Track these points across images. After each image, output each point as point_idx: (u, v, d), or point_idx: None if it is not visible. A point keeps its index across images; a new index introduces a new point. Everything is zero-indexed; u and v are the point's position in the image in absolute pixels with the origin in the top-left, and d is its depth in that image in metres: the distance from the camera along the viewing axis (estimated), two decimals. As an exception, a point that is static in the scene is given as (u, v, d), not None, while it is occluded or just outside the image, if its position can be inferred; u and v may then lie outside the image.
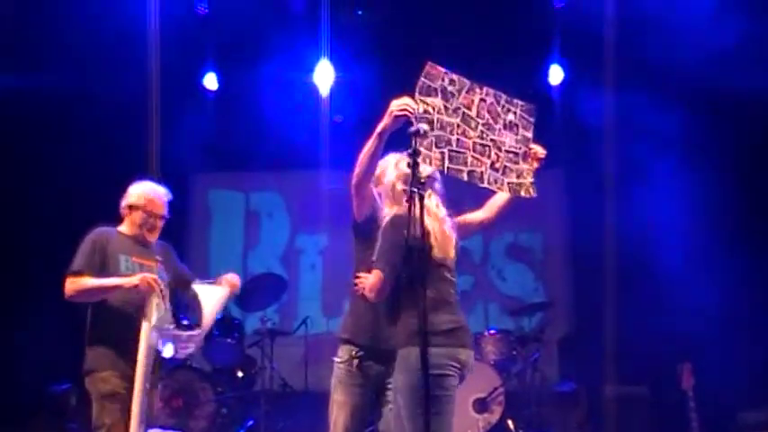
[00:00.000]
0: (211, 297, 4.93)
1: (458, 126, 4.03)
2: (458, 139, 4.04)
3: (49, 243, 7.99)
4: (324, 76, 8.69)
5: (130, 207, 4.81)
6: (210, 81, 8.98)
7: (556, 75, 8.75)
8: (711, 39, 6.95)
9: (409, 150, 3.66)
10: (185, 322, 6.75)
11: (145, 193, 4.84)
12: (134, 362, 4.46)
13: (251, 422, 7.34)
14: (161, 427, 5.59)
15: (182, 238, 7.47)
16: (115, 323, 4.55)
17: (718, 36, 6.96)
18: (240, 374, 7.74)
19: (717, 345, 6.80)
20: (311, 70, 8.64)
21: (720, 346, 6.83)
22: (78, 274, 4.54)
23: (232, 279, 4.96)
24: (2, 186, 8.07)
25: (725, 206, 7.63)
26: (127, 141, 8.15)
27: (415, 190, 3.59)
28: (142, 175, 5.11)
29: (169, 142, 8.06)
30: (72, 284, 4.52)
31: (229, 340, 7.64)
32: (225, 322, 7.69)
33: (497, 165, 4.18)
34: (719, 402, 6.50)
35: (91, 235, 4.73)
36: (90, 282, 4.53)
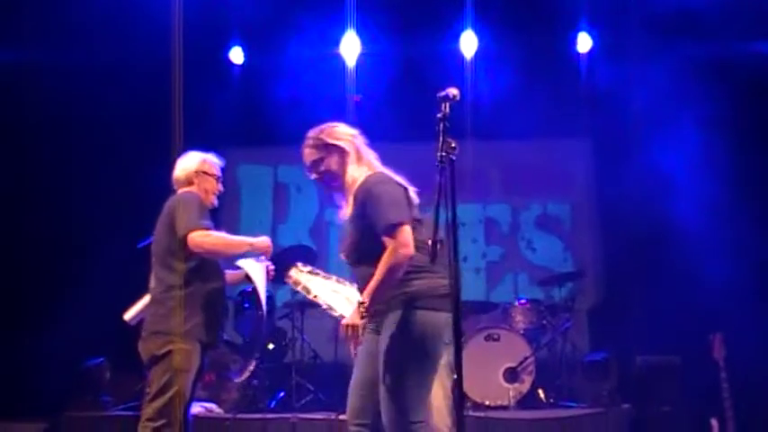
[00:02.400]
0: (261, 276, 4.90)
1: None
2: None
3: (81, 218, 8.10)
4: (350, 48, 8.67)
5: (197, 173, 4.83)
6: (236, 55, 8.98)
7: (584, 43, 8.67)
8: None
9: (439, 115, 3.65)
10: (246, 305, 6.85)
11: (204, 158, 4.88)
12: (216, 337, 4.58)
13: (282, 394, 7.39)
14: (197, 399, 5.68)
15: (211, 213, 7.52)
16: (212, 294, 4.62)
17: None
18: (271, 347, 7.78)
19: (749, 315, 6.75)
20: (337, 43, 8.62)
21: (752, 316, 6.79)
22: (205, 228, 4.55)
23: (264, 242, 4.90)
24: (37, 159, 8.13)
25: (758, 175, 7.57)
26: (152, 117, 8.19)
27: (445, 154, 3.58)
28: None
29: (195, 118, 8.08)
30: (206, 237, 4.52)
31: (260, 312, 7.65)
32: (254, 294, 7.71)
33: None
34: (751, 373, 6.47)
35: (188, 196, 4.73)
36: (226, 237, 4.61)
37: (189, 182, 4.82)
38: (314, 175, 4.14)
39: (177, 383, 4.46)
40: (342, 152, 4.06)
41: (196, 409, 5.89)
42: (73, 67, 7.96)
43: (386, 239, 3.76)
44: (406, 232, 3.77)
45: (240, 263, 4.88)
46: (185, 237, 4.52)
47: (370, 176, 3.97)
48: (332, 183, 4.10)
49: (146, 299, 4.84)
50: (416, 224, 3.90)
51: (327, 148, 4.10)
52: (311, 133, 4.19)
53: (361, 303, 3.75)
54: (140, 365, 4.73)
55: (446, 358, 4.70)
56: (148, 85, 7.97)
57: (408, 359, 3.76)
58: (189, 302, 4.55)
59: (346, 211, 4.03)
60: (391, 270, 3.72)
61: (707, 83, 7.47)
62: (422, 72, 8.19)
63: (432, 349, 3.81)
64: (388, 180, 3.96)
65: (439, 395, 4.66)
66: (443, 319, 3.75)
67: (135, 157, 8.02)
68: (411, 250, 3.75)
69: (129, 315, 4.97)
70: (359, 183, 3.96)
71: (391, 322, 3.81)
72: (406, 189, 3.97)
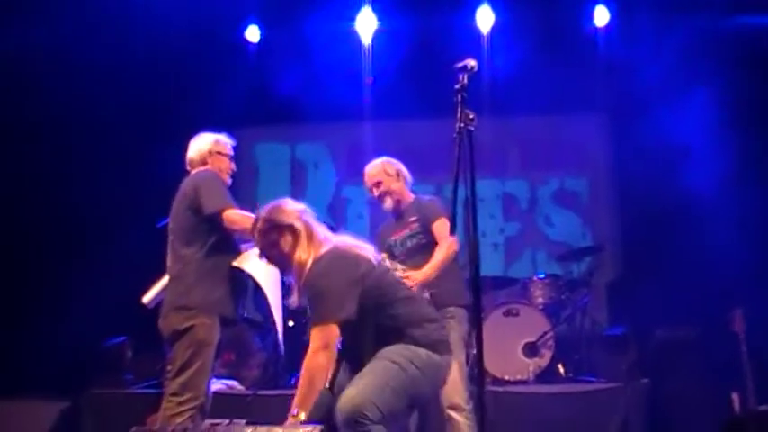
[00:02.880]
0: (267, 274, 4.68)
1: None
2: None
3: (103, 198, 8.15)
4: (366, 24, 8.65)
5: (210, 153, 4.88)
6: (252, 33, 8.97)
7: (601, 16, 8.61)
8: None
9: (457, 86, 3.65)
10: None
11: (216, 139, 4.94)
12: (235, 312, 4.66)
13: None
14: (216, 376, 5.71)
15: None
16: (231, 270, 4.67)
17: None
18: (291, 324, 7.81)
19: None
20: (353, 19, 8.61)
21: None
22: (234, 206, 4.62)
23: None
24: (60, 136, 8.18)
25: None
26: (169, 97, 8.22)
27: (463, 126, 3.59)
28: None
29: (212, 97, 8.10)
30: (242, 217, 4.54)
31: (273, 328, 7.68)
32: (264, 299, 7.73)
33: None
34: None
35: (210, 175, 4.78)
36: None
37: (203, 162, 4.88)
38: (266, 261, 4.00)
39: (201, 357, 4.50)
40: (293, 231, 3.87)
41: (217, 386, 5.94)
42: (79, 46, 7.95)
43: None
44: (331, 333, 3.70)
45: (241, 264, 4.75)
46: (219, 214, 4.58)
47: (314, 264, 3.81)
48: (285, 267, 3.94)
49: (163, 281, 4.88)
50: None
51: (279, 230, 3.89)
52: (261, 214, 3.98)
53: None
54: (161, 344, 4.77)
55: (457, 333, 4.75)
56: (165, 66, 7.99)
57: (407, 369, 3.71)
58: (209, 277, 4.60)
59: (296, 297, 3.93)
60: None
61: (724, 55, 7.43)
62: (438, 48, 8.16)
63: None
64: (331, 267, 3.79)
65: (455, 371, 4.69)
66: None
67: (154, 137, 8.03)
68: (321, 357, 3.69)
69: (147, 298, 5.00)
70: (306, 271, 3.82)
71: None
72: (357, 263, 3.82)
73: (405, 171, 5.21)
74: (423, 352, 3.73)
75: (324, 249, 3.85)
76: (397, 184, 5.17)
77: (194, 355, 4.50)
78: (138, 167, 8.19)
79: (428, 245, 5.07)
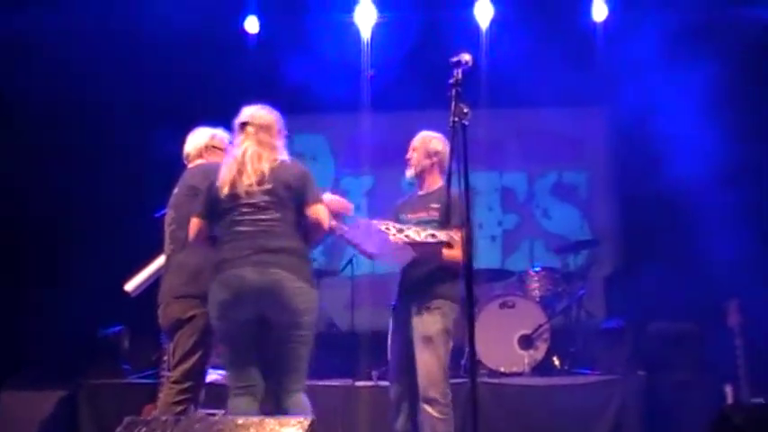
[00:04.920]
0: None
1: None
2: None
3: (101, 188, 8.16)
4: (365, 16, 8.65)
5: (207, 147, 4.90)
6: (252, 24, 8.96)
7: (600, 10, 8.61)
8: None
9: (451, 80, 3.67)
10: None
11: (213, 133, 4.96)
12: None
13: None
14: (213, 366, 5.73)
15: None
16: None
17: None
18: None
19: (765, 282, 6.74)
20: (353, 11, 8.61)
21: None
22: None
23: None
24: (51, 130, 8.17)
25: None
26: (167, 88, 8.22)
27: (458, 119, 3.61)
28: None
29: (210, 88, 8.11)
30: None
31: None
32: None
33: None
34: (766, 340, 6.47)
35: (214, 167, 4.75)
36: None
37: (199, 156, 4.92)
38: None
39: (203, 346, 4.52)
40: None
41: (213, 376, 5.95)
42: (76, 35, 7.95)
43: None
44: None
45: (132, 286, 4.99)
46: None
47: None
48: None
49: (148, 270, 4.91)
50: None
51: None
52: None
53: None
54: (158, 334, 4.78)
55: (441, 325, 4.74)
56: (162, 57, 8.00)
57: None
58: (210, 266, 4.60)
59: None
60: None
61: (722, 49, 7.44)
62: (437, 40, 8.16)
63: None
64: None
65: (432, 362, 4.69)
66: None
67: (146, 130, 8.04)
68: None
69: (131, 286, 5.03)
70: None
71: None
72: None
73: (444, 154, 5.07)
74: None
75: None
76: (426, 161, 5.09)
77: (197, 343, 4.52)
78: (137, 157, 8.20)
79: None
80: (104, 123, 8.28)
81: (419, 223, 4.86)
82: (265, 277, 4.16)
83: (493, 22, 8.61)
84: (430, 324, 4.74)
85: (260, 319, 4.21)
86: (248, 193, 4.25)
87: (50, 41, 7.79)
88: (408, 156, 5.11)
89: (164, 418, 3.72)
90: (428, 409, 4.66)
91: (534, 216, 9.40)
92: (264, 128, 4.41)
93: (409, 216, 5.03)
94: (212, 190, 4.32)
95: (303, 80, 8.27)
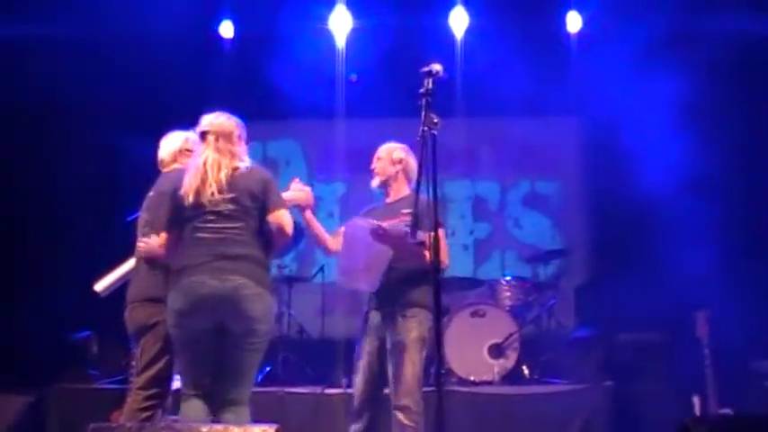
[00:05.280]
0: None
1: None
2: None
3: (67, 193, 8.11)
4: (340, 23, 8.65)
5: (181, 152, 4.87)
6: (226, 29, 8.93)
7: (574, 22, 8.65)
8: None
9: (422, 90, 3.69)
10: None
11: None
12: None
13: (268, 368, 7.43)
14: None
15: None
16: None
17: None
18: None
19: (732, 294, 6.80)
20: (328, 17, 8.61)
21: (736, 295, 6.83)
22: None
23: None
24: (19, 136, 8.11)
25: (744, 156, 7.62)
26: (141, 92, 8.17)
27: (427, 129, 3.65)
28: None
29: (184, 92, 8.07)
30: None
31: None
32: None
33: None
34: (733, 351, 6.52)
35: None
36: None
37: (174, 161, 4.88)
38: None
39: (169, 353, 4.49)
40: None
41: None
42: (52, 40, 7.91)
43: None
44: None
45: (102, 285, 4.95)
46: None
47: None
48: None
49: (119, 271, 4.89)
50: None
51: None
52: None
53: None
54: (127, 339, 4.75)
55: (417, 333, 4.75)
56: (135, 61, 7.97)
57: None
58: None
59: None
60: None
61: (694, 61, 7.51)
62: (412, 48, 8.17)
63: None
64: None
65: (407, 370, 4.70)
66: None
67: (120, 133, 8.01)
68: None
69: (100, 286, 4.99)
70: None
71: None
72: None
73: (412, 165, 5.09)
74: None
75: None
76: (391, 168, 5.12)
77: (162, 350, 4.49)
78: (110, 160, 8.16)
79: None
80: (75, 126, 8.23)
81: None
82: (224, 284, 4.15)
83: (468, 30, 8.64)
84: (406, 332, 4.74)
85: (217, 326, 4.19)
86: (212, 202, 4.24)
87: (23, 44, 7.74)
88: (373, 165, 5.14)
89: (129, 424, 3.69)
90: (400, 416, 4.66)
91: (506, 225, 9.43)
92: (224, 135, 4.40)
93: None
94: (176, 199, 4.31)
95: (278, 85, 8.26)
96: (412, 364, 4.71)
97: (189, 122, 5.02)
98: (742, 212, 7.46)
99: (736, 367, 6.61)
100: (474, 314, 7.27)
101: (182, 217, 4.30)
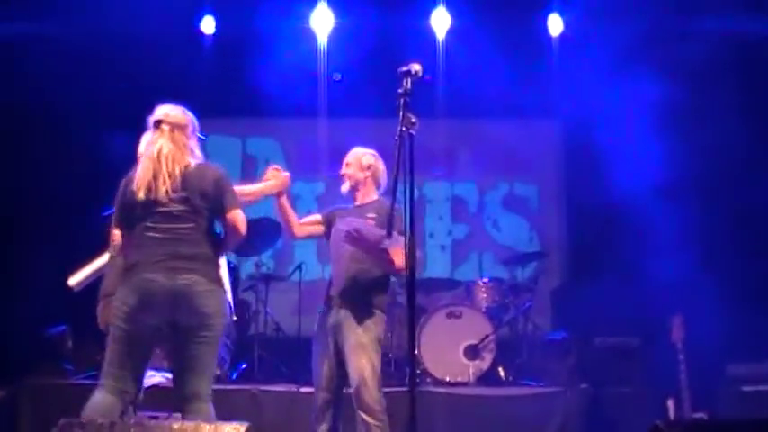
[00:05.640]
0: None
1: None
2: None
3: (42, 187, 8.05)
4: (322, 21, 8.62)
5: None
6: (207, 25, 8.88)
7: (555, 25, 8.67)
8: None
9: (400, 90, 3.71)
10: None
11: None
12: None
13: (244, 366, 7.41)
14: (155, 368, 5.67)
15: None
16: None
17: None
18: (234, 318, 7.79)
19: (707, 298, 6.84)
20: (309, 15, 8.59)
21: (710, 299, 6.87)
22: None
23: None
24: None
25: (721, 159, 7.67)
26: (120, 87, 8.13)
27: (405, 129, 3.67)
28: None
29: (164, 87, 8.00)
30: None
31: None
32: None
33: None
34: (708, 355, 6.56)
35: None
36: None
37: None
38: None
39: None
40: None
41: (156, 378, 5.89)
42: (31, 37, 7.86)
43: None
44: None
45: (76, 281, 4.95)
46: None
47: None
48: None
49: (93, 265, 4.86)
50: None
51: None
52: None
53: None
54: (101, 334, 4.71)
55: (374, 333, 4.80)
56: (117, 55, 7.92)
57: None
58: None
59: None
60: None
61: (671, 63, 7.56)
62: (394, 47, 8.17)
63: None
64: None
65: (367, 369, 4.72)
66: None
67: (99, 130, 7.96)
68: None
69: (74, 280, 4.96)
70: None
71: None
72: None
73: (381, 170, 5.18)
74: None
75: None
76: (360, 174, 5.16)
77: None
78: (83, 156, 8.11)
79: None
80: (53, 122, 8.17)
81: None
82: (177, 282, 4.12)
83: (449, 31, 8.64)
84: (363, 332, 4.81)
85: (168, 324, 4.15)
86: (163, 202, 4.20)
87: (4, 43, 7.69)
88: (342, 171, 5.20)
89: (99, 420, 3.65)
90: (364, 416, 4.71)
91: (484, 227, 9.45)
92: (179, 127, 4.36)
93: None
94: (126, 195, 4.27)
95: (258, 83, 8.24)
96: (372, 364, 4.78)
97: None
98: (718, 216, 7.49)
99: (711, 371, 6.66)
100: (450, 315, 7.27)
101: (132, 215, 4.25)
